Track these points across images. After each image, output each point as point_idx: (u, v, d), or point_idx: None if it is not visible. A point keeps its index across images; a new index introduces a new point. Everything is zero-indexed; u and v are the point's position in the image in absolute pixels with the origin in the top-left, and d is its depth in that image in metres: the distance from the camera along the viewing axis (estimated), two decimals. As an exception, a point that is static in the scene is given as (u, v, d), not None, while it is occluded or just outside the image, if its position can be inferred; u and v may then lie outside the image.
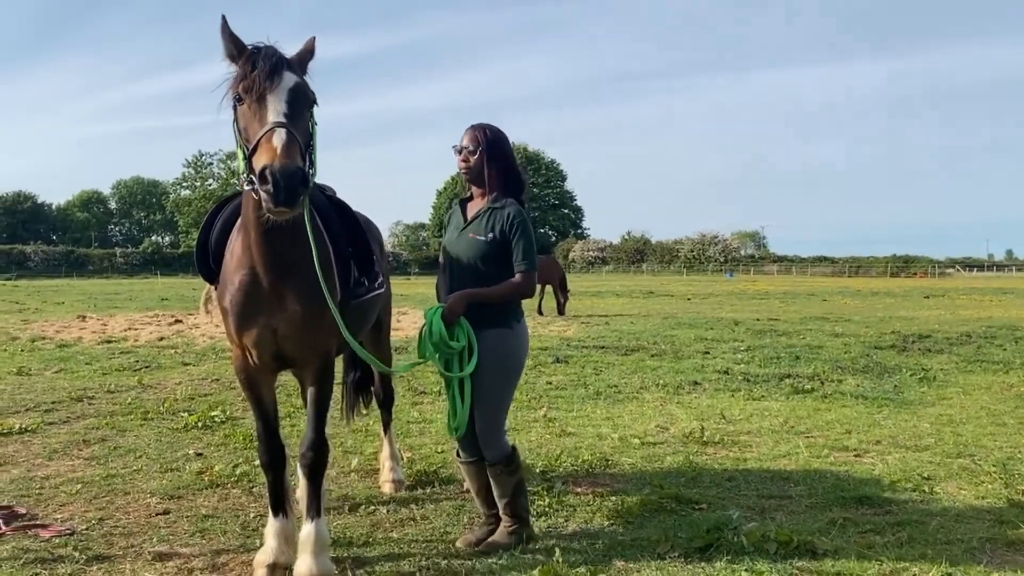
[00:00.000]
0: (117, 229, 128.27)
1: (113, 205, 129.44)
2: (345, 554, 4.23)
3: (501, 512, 4.39)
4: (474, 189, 4.40)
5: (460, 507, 5.08)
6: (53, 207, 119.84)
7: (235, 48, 3.49)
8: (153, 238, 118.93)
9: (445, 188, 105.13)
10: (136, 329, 17.39)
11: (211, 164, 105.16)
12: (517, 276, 4.18)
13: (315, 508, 3.98)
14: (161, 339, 15.31)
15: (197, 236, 4.56)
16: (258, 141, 3.25)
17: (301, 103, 3.44)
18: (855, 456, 6.42)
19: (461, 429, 4.21)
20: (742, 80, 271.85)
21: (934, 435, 7.08)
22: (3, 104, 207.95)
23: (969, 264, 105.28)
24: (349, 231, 4.33)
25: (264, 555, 4.00)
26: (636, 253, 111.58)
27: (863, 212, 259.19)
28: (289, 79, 3.43)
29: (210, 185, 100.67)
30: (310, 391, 4.09)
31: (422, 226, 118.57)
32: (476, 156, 4.26)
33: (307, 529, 3.93)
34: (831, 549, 4.28)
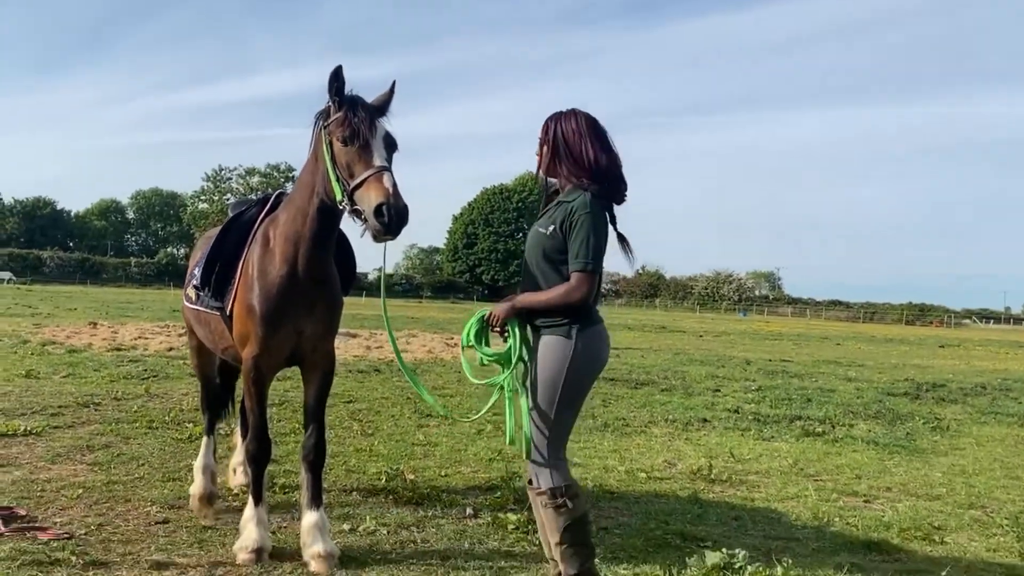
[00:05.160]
0: (133, 239, 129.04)
1: (131, 215, 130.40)
2: (343, 574, 4.17)
3: (556, 557, 3.79)
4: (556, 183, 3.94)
5: (462, 532, 5.02)
6: (72, 214, 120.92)
7: (338, 95, 4.07)
8: (168, 249, 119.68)
9: (462, 213, 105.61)
10: (146, 338, 17.43)
11: (230, 179, 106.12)
12: (571, 278, 3.67)
13: (318, 498, 4.50)
14: (170, 349, 15.34)
15: (204, 251, 5.02)
16: (365, 179, 3.87)
17: (391, 148, 4.08)
18: (864, 502, 6.32)
19: (515, 444, 3.87)
20: (763, 120, 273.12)
21: (946, 485, 6.97)
22: (29, 114, 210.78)
23: (986, 316, 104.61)
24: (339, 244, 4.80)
25: (249, 542, 4.36)
26: (649, 287, 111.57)
27: (880, 258, 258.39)
28: (382, 127, 4.07)
29: (228, 199, 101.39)
30: (314, 390, 4.63)
31: (436, 250, 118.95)
32: (543, 148, 3.88)
33: (314, 516, 4.41)
34: (838, 595, 4.18)
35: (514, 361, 3.79)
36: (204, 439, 5.59)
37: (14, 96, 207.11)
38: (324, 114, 4.19)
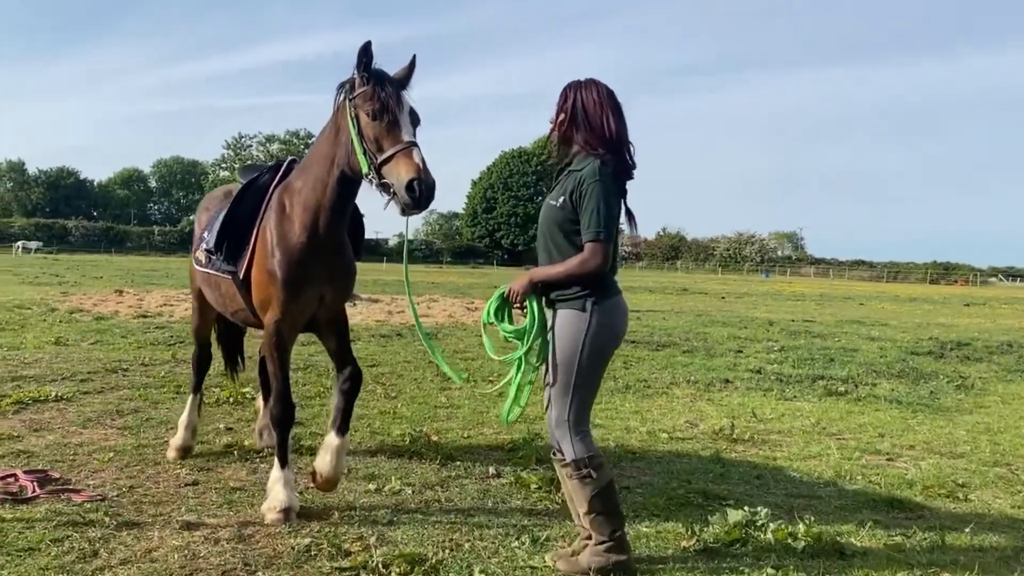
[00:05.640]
0: (156, 208, 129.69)
1: (153, 184, 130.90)
2: (369, 532, 4.25)
3: (586, 525, 3.84)
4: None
5: (485, 491, 5.08)
6: (95, 183, 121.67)
7: (367, 70, 4.10)
8: (191, 217, 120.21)
9: (480, 178, 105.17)
10: (171, 305, 17.63)
11: (250, 146, 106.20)
12: (584, 248, 3.66)
13: (346, 426, 4.67)
14: (196, 316, 15.50)
15: (213, 216, 5.16)
16: (394, 154, 3.94)
17: (416, 123, 4.17)
18: (887, 460, 6.32)
19: (510, 417, 3.95)
20: (784, 79, 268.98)
21: (970, 443, 6.94)
22: (50, 83, 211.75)
23: (1012, 274, 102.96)
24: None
25: (277, 502, 4.43)
26: (671, 250, 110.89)
27: (904, 217, 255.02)
28: (408, 102, 4.14)
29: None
30: (335, 338, 4.79)
31: (456, 215, 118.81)
32: (560, 116, 3.86)
33: (336, 439, 4.59)
34: (860, 550, 4.21)
35: (530, 337, 3.80)
36: (191, 397, 5.88)
37: (35, 66, 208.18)
38: (348, 86, 4.21)
